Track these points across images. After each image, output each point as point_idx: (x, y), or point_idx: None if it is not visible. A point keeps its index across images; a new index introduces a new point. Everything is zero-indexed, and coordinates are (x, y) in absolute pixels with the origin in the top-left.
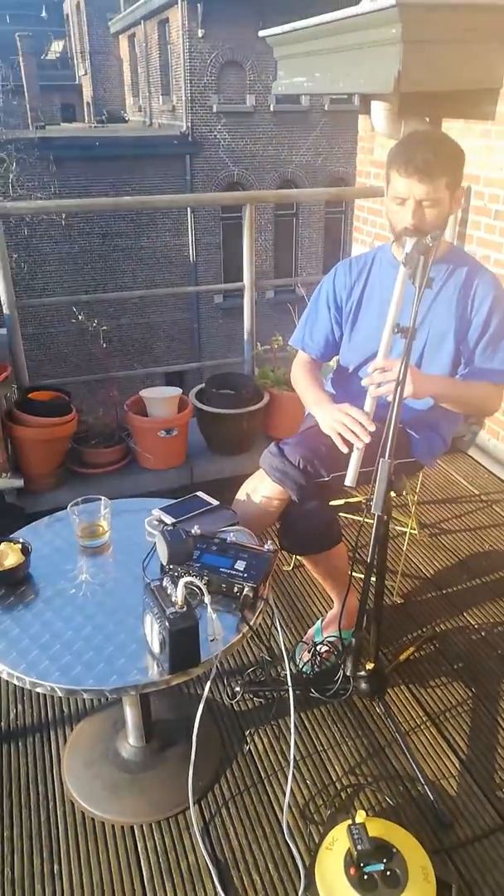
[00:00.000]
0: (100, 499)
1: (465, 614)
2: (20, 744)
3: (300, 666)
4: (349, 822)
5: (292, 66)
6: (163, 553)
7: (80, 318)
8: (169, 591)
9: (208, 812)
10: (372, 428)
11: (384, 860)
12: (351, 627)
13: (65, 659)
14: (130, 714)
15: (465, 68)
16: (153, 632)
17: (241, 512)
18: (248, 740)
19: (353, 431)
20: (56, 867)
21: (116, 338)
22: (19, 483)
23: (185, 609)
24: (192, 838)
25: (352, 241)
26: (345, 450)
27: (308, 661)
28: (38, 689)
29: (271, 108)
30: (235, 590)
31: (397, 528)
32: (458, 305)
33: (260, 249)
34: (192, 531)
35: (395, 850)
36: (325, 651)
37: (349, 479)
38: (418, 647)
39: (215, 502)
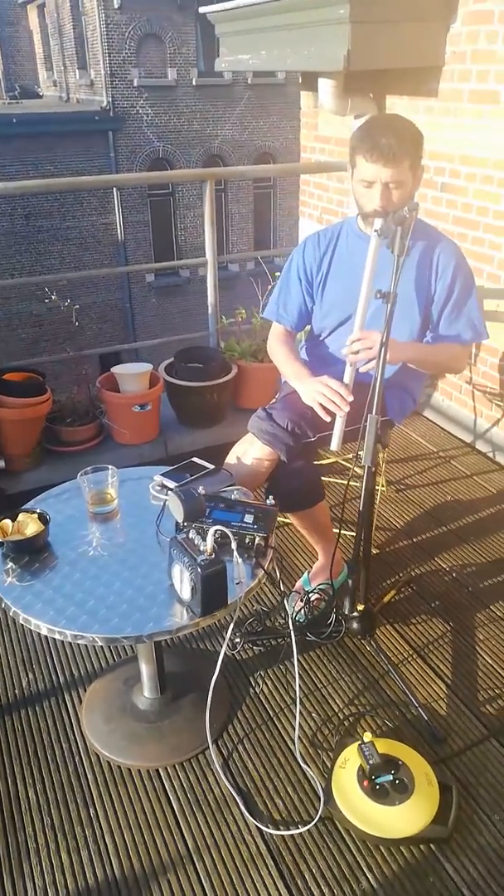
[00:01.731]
0: (107, 468)
1: (435, 559)
2: (37, 708)
3: (293, 614)
4: (359, 742)
5: (236, 43)
6: (178, 512)
7: (53, 297)
8: (196, 542)
9: (226, 750)
10: (350, 398)
11: (392, 772)
12: (336, 577)
13: (101, 612)
14: (146, 668)
15: (410, 47)
16: (183, 580)
17: (233, 474)
18: (254, 684)
19: (333, 402)
20: (92, 811)
21: (47, 321)
22: (0, 464)
23: (213, 556)
24: (214, 774)
25: (299, 216)
26: (327, 419)
27: (301, 609)
28: (80, 641)
29: (194, 82)
30: (247, 540)
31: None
32: (423, 273)
33: (189, 226)
34: (199, 491)
35: (400, 762)
36: (316, 598)
37: (334, 444)
38: (398, 590)
39: (211, 466)
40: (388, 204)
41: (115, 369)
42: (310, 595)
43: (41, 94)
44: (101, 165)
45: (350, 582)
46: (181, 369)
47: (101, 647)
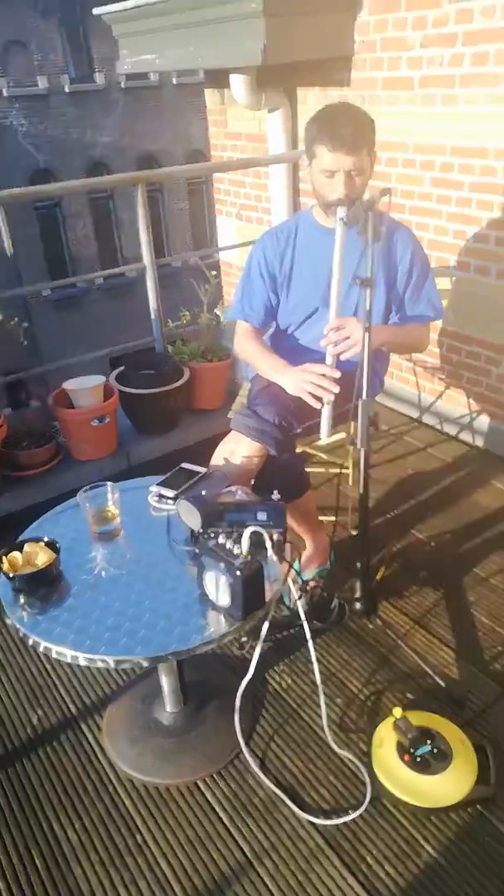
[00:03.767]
0: (105, 484)
1: (412, 531)
2: (55, 744)
3: (292, 604)
4: (392, 719)
5: (138, 44)
6: (193, 520)
7: (16, 320)
8: (228, 546)
9: (259, 751)
10: (338, 375)
11: (429, 742)
12: (325, 563)
13: (140, 633)
14: (167, 681)
15: (321, 39)
16: (219, 586)
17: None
18: (270, 680)
19: (321, 387)
20: (139, 838)
21: None
22: None
23: (249, 558)
24: (253, 777)
25: (215, 214)
26: (317, 406)
27: (300, 598)
28: (124, 666)
29: (66, 89)
30: (254, 539)
31: (330, 470)
32: (383, 258)
33: (80, 236)
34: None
35: (434, 731)
36: (312, 586)
37: (324, 432)
38: (386, 566)
39: (203, 470)
40: (351, 192)
41: (68, 384)
42: (307, 583)
43: None
44: None
45: (359, 565)
46: (133, 377)
47: (109, 670)
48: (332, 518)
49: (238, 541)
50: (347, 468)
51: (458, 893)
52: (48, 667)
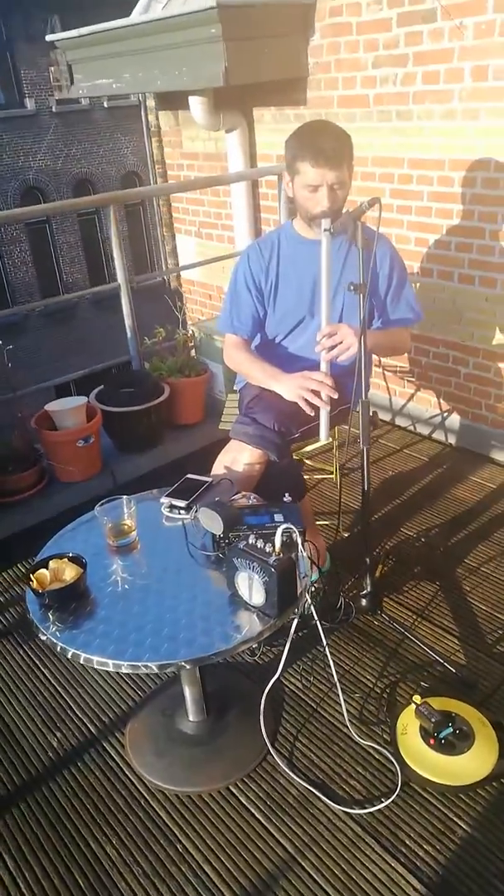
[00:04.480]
0: (120, 498)
1: (401, 529)
2: (79, 764)
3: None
4: (413, 706)
5: (93, 69)
6: (215, 525)
7: None
8: (260, 546)
9: (286, 751)
10: (333, 385)
11: (450, 724)
12: (324, 565)
13: (181, 635)
14: (190, 691)
15: (276, 61)
16: (252, 586)
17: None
18: (286, 682)
19: (319, 393)
20: (180, 847)
21: None
22: None
23: (281, 555)
24: (284, 776)
25: (174, 233)
26: (311, 412)
27: (312, 600)
28: (168, 670)
29: None
30: (284, 537)
31: (315, 476)
32: (365, 265)
33: (18, 262)
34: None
35: (454, 714)
36: (317, 587)
37: (323, 435)
38: (383, 564)
39: (208, 479)
40: (334, 204)
41: (51, 406)
42: (313, 584)
43: None
44: None
45: (368, 561)
46: (114, 396)
47: (123, 686)
48: (326, 522)
49: (269, 540)
50: (332, 473)
51: (494, 863)
52: (59, 689)
